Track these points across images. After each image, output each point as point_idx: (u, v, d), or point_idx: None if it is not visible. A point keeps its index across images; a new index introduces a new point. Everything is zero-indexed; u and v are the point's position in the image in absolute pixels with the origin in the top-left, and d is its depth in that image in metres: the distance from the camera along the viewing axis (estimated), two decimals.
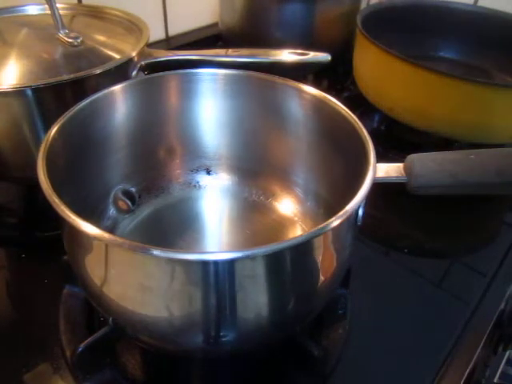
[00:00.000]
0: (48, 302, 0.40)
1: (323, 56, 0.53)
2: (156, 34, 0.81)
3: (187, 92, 0.45)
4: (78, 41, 0.47)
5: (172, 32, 0.84)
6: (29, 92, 0.40)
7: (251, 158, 0.47)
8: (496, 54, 0.72)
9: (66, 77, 0.41)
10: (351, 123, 0.37)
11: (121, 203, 0.44)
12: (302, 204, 0.45)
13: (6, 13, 0.53)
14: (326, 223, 0.27)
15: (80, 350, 0.33)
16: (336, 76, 0.78)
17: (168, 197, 0.47)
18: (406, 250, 0.49)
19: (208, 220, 0.46)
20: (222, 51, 0.52)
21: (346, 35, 0.75)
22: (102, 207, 0.43)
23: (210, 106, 0.46)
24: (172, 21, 0.83)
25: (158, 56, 0.51)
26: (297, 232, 0.44)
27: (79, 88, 0.42)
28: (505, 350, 0.49)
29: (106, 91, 0.40)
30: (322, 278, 0.32)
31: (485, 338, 0.40)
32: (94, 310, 0.38)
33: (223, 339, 0.30)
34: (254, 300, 0.29)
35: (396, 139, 0.66)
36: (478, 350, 0.39)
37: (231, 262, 0.26)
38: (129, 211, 0.45)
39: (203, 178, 0.48)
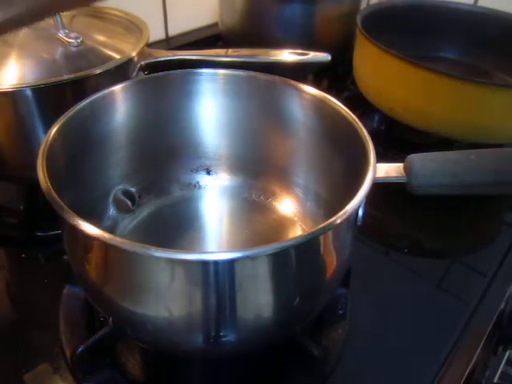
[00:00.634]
0: (48, 302, 0.40)
1: (323, 56, 0.53)
2: (156, 34, 0.81)
3: (187, 92, 0.45)
4: (78, 41, 0.47)
5: (172, 32, 0.84)
6: (29, 92, 0.40)
7: (251, 157, 0.47)
8: (496, 54, 0.72)
9: (66, 77, 0.41)
10: (351, 123, 0.37)
11: (121, 203, 0.44)
12: (302, 204, 0.45)
13: None
14: (326, 223, 0.27)
15: (80, 350, 0.33)
16: (336, 76, 0.78)
17: (168, 197, 0.47)
18: (406, 250, 0.49)
19: (208, 220, 0.46)
20: (222, 51, 0.52)
21: (346, 35, 0.75)
22: (102, 207, 0.43)
23: (210, 106, 0.46)
24: (172, 21, 0.83)
25: (158, 56, 0.51)
26: (297, 232, 0.44)
27: (79, 88, 0.42)
28: (505, 350, 0.49)
29: (105, 91, 0.40)
30: (322, 277, 0.32)
31: (485, 337, 0.40)
32: (94, 310, 0.38)
33: (223, 339, 0.30)
34: (254, 300, 0.29)
35: (396, 139, 0.66)
36: (478, 350, 0.39)
37: (231, 262, 0.26)
38: (129, 211, 0.45)
39: (203, 178, 0.48)
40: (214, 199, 0.48)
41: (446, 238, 0.52)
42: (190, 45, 0.81)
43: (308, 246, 0.29)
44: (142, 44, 0.48)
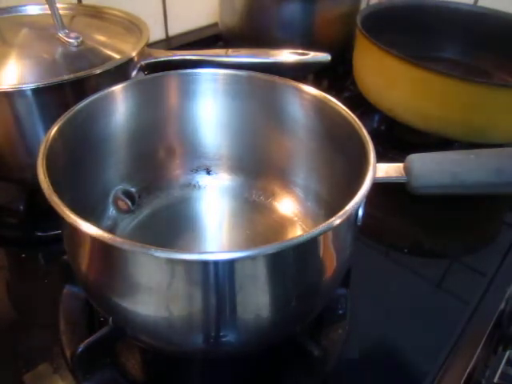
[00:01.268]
0: (48, 301, 0.40)
1: (323, 56, 0.53)
2: (156, 34, 0.81)
3: (187, 92, 0.45)
4: (78, 41, 0.47)
5: (172, 32, 0.84)
6: (29, 92, 0.40)
7: (251, 158, 0.47)
8: (496, 53, 0.72)
9: (66, 77, 0.41)
10: (351, 123, 0.37)
11: (121, 203, 0.44)
12: (302, 204, 0.45)
13: (6, 13, 0.53)
14: (326, 223, 0.27)
15: (80, 350, 0.33)
16: (336, 76, 0.78)
17: (168, 197, 0.47)
18: (405, 250, 0.49)
19: (208, 220, 0.46)
20: (221, 51, 0.52)
21: (346, 35, 0.75)
22: (102, 207, 0.43)
23: (210, 106, 0.46)
24: (172, 21, 0.83)
25: (158, 56, 0.51)
26: (297, 232, 0.44)
27: (79, 88, 0.42)
28: (505, 350, 0.49)
29: (105, 91, 0.40)
30: (322, 277, 0.32)
31: (485, 337, 0.40)
32: (94, 310, 0.38)
33: (223, 339, 0.30)
34: (254, 300, 0.29)
35: (396, 139, 0.66)
36: (478, 350, 0.39)
37: (231, 262, 0.26)
38: (129, 211, 0.45)
39: (203, 178, 0.48)
40: (214, 199, 0.48)
41: (445, 238, 0.52)
42: (190, 45, 0.81)
43: (308, 246, 0.29)
44: (142, 44, 0.48)
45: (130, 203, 0.45)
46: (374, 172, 0.32)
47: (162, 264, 0.27)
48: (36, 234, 0.48)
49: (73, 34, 0.47)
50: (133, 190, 0.45)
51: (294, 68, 0.52)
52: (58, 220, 0.29)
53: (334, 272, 0.33)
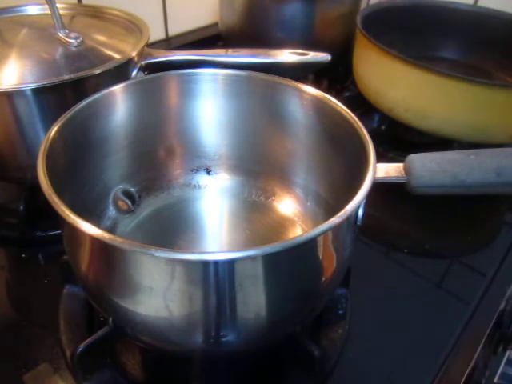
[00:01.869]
0: (48, 301, 0.40)
1: (323, 56, 0.53)
2: (156, 34, 0.81)
3: (187, 92, 0.45)
4: (78, 41, 0.47)
5: (172, 32, 0.84)
6: (29, 92, 0.40)
7: (251, 158, 0.47)
8: (496, 53, 0.72)
9: (66, 77, 0.41)
10: (351, 123, 0.37)
11: (121, 203, 0.44)
12: (302, 204, 0.45)
13: (6, 13, 0.53)
14: (326, 223, 0.27)
15: (80, 349, 0.33)
16: (336, 76, 0.78)
17: (168, 197, 0.47)
18: (405, 250, 0.49)
19: (208, 220, 0.46)
20: (221, 51, 0.52)
21: (346, 35, 0.75)
22: (102, 207, 0.43)
23: (210, 106, 0.46)
24: (172, 21, 0.83)
25: (158, 56, 0.51)
26: (297, 232, 0.44)
27: (79, 88, 0.42)
28: (505, 350, 0.49)
29: (105, 91, 0.40)
30: (322, 277, 0.32)
31: (485, 337, 0.40)
32: (94, 310, 0.38)
33: (223, 339, 0.30)
34: (254, 300, 0.29)
35: (396, 139, 0.66)
36: (478, 350, 0.39)
37: (231, 262, 0.26)
38: (129, 211, 0.45)
39: (203, 178, 0.48)
40: (214, 199, 0.48)
41: (445, 238, 0.52)
42: (190, 45, 0.81)
43: (308, 246, 0.29)
44: (142, 44, 0.48)
45: (130, 203, 0.45)
46: (374, 172, 0.32)
47: (162, 264, 0.27)
48: (36, 234, 0.48)
49: (73, 34, 0.47)
50: (133, 190, 0.45)
51: (293, 68, 0.52)
52: (58, 220, 0.29)
53: (333, 272, 0.33)
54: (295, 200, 0.46)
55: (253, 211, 0.47)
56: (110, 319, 0.33)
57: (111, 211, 0.44)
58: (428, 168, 0.35)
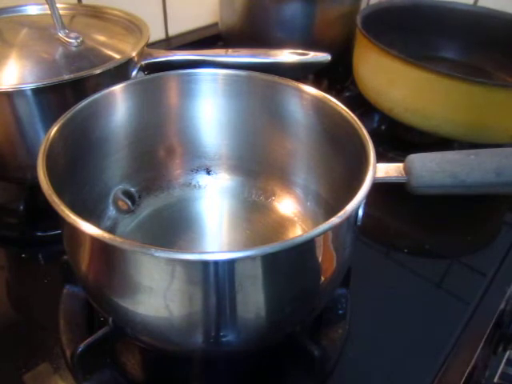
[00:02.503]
0: (48, 301, 0.40)
1: (323, 56, 0.53)
2: (156, 34, 0.81)
3: (187, 92, 0.45)
4: (78, 41, 0.47)
5: (172, 32, 0.84)
6: (29, 92, 0.40)
7: (251, 158, 0.47)
8: (496, 54, 0.72)
9: (66, 77, 0.41)
10: (351, 123, 0.37)
11: (121, 203, 0.44)
12: (302, 204, 0.45)
13: (6, 13, 0.53)
14: (326, 223, 0.27)
15: (80, 349, 0.33)
16: (336, 76, 0.78)
17: (168, 197, 0.47)
18: (405, 250, 0.49)
19: (208, 220, 0.46)
20: (222, 51, 0.52)
21: (346, 35, 0.75)
22: (102, 207, 0.43)
23: (210, 106, 0.46)
24: (172, 21, 0.83)
25: (158, 56, 0.51)
26: (297, 232, 0.44)
27: (79, 88, 0.42)
28: (505, 350, 0.49)
29: (105, 91, 0.40)
30: (322, 277, 0.32)
31: (485, 337, 0.40)
32: (94, 310, 0.38)
33: (223, 339, 0.30)
34: (254, 300, 0.29)
35: (396, 139, 0.66)
36: (478, 350, 0.39)
37: (231, 262, 0.26)
38: (129, 211, 0.45)
39: (203, 178, 0.48)
40: (214, 199, 0.48)
41: (445, 238, 0.52)
42: (190, 45, 0.81)
43: (308, 246, 0.29)
44: (142, 44, 0.48)
45: (129, 203, 0.45)
46: (374, 172, 0.32)
47: (162, 264, 0.27)
48: (36, 234, 0.48)
49: (73, 34, 0.47)
50: (133, 190, 0.45)
51: (293, 68, 0.52)
52: (58, 220, 0.29)
53: (333, 272, 0.33)
54: (295, 200, 0.46)
55: (253, 211, 0.47)
56: (110, 319, 0.33)
57: (111, 211, 0.44)
58: (428, 168, 0.35)
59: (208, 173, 0.48)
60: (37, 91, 0.40)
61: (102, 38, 0.50)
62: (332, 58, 0.53)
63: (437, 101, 0.56)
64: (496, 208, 0.57)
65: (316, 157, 0.43)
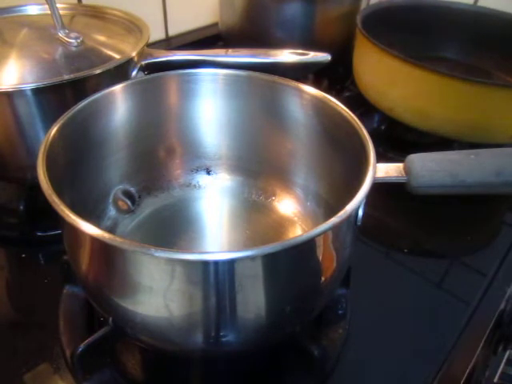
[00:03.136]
0: (48, 301, 0.40)
1: (323, 56, 0.53)
2: (156, 34, 0.81)
3: (187, 92, 0.45)
4: (78, 41, 0.47)
5: (172, 32, 0.84)
6: (29, 92, 0.40)
7: (251, 158, 0.47)
8: (496, 53, 0.72)
9: (66, 77, 0.41)
10: (351, 123, 0.37)
11: (121, 203, 0.44)
12: (302, 204, 0.45)
13: (6, 13, 0.53)
14: (326, 223, 0.27)
15: (80, 349, 0.33)
16: (336, 76, 0.78)
17: (168, 197, 0.47)
18: (405, 250, 0.49)
19: (208, 220, 0.46)
20: (222, 51, 0.52)
21: (346, 35, 0.75)
22: (102, 207, 0.43)
23: (210, 106, 0.46)
24: (172, 21, 0.83)
25: (158, 56, 0.51)
26: (297, 232, 0.44)
27: (79, 88, 0.42)
28: (505, 350, 0.49)
29: (105, 91, 0.40)
30: (322, 277, 0.32)
31: (485, 337, 0.40)
32: (94, 310, 0.38)
33: (223, 339, 0.30)
34: (254, 300, 0.29)
35: (396, 139, 0.66)
36: (478, 350, 0.39)
37: (231, 262, 0.26)
38: (129, 211, 0.45)
39: (203, 178, 0.48)
40: (214, 199, 0.48)
41: (446, 238, 0.52)
42: (190, 45, 0.81)
43: (308, 246, 0.29)
44: (141, 44, 0.48)
45: (129, 203, 0.45)
46: (374, 172, 0.32)
47: (162, 264, 0.27)
48: (36, 234, 0.48)
49: (73, 34, 0.47)
50: (133, 189, 0.45)
51: (293, 68, 0.52)
52: (57, 220, 0.29)
53: (333, 272, 0.33)
54: (295, 200, 0.46)
55: (253, 211, 0.47)
56: (110, 319, 0.33)
57: (111, 211, 0.44)
58: (428, 168, 0.35)
59: (208, 173, 0.48)
60: (37, 91, 0.40)
61: (102, 37, 0.50)
62: (332, 58, 0.53)
63: (437, 101, 0.56)
64: (496, 208, 0.57)
65: (316, 157, 0.43)
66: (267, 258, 0.27)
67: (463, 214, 0.54)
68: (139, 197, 0.46)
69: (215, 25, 0.85)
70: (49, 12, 0.47)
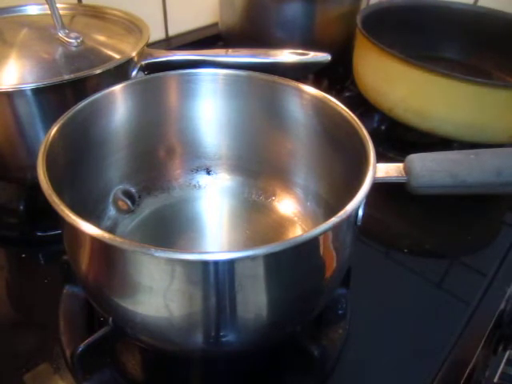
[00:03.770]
0: (48, 301, 0.40)
1: (323, 56, 0.53)
2: (156, 34, 0.81)
3: (187, 92, 0.45)
4: (78, 41, 0.47)
5: (172, 32, 0.84)
6: (29, 92, 0.40)
7: (251, 158, 0.47)
8: (496, 54, 0.72)
9: (66, 77, 0.41)
10: (351, 123, 0.37)
11: (121, 203, 0.44)
12: (302, 204, 0.45)
13: (6, 13, 0.53)
14: (326, 223, 0.27)
15: (80, 349, 0.33)
16: (336, 76, 0.78)
17: (168, 197, 0.47)
18: (405, 250, 0.49)
19: (208, 220, 0.46)
20: (222, 51, 0.52)
21: (346, 35, 0.75)
22: (102, 207, 0.43)
23: (210, 106, 0.46)
24: (172, 21, 0.83)
25: (158, 56, 0.51)
26: (297, 232, 0.44)
27: (79, 88, 0.42)
28: (505, 350, 0.49)
29: (105, 91, 0.40)
30: (322, 277, 0.32)
31: (485, 337, 0.40)
32: (94, 310, 0.38)
33: (223, 339, 0.30)
34: (254, 300, 0.29)
35: (396, 139, 0.66)
36: (478, 350, 0.39)
37: (231, 262, 0.26)
38: (129, 211, 0.45)
39: (203, 178, 0.48)
40: (214, 199, 0.48)
41: (445, 238, 0.52)
42: (190, 45, 0.81)
43: (308, 246, 0.29)
44: (141, 44, 0.48)
45: (129, 203, 0.45)
46: (374, 172, 0.32)
47: (162, 264, 0.27)
48: (36, 234, 0.48)
49: (73, 34, 0.47)
50: (133, 189, 0.45)
51: (293, 68, 0.52)
52: (58, 220, 0.29)
53: (333, 272, 0.33)
54: (295, 200, 0.46)
55: (253, 211, 0.47)
56: (110, 319, 0.33)
57: (111, 211, 0.44)
58: (428, 168, 0.35)
59: (208, 173, 0.48)
60: (37, 91, 0.40)
61: (102, 37, 0.50)
62: (332, 58, 0.53)
63: (437, 101, 0.56)
64: (496, 208, 0.57)
65: (316, 157, 0.43)
66: (267, 258, 0.27)
67: (463, 214, 0.54)
68: (139, 197, 0.46)
69: (215, 25, 0.85)
70: (49, 12, 0.47)
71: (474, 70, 0.73)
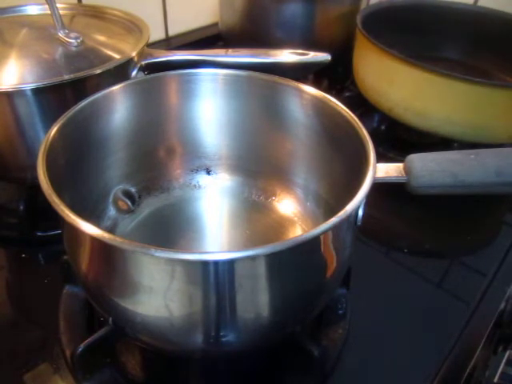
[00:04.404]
0: (48, 301, 0.40)
1: (323, 56, 0.53)
2: (156, 34, 0.81)
3: (187, 92, 0.45)
4: (78, 41, 0.47)
5: (172, 32, 0.84)
6: (29, 92, 0.40)
7: (251, 158, 0.47)
8: (496, 54, 0.72)
9: (66, 77, 0.41)
10: (351, 123, 0.37)
11: (121, 203, 0.44)
12: (302, 204, 0.45)
13: (6, 13, 0.53)
14: (326, 223, 0.27)
15: (80, 349, 0.33)
16: (336, 76, 0.78)
17: (168, 197, 0.47)
18: (405, 250, 0.49)
19: (208, 220, 0.46)
20: (222, 51, 0.52)
21: (346, 35, 0.75)
22: (102, 207, 0.43)
23: (210, 106, 0.46)
24: (172, 21, 0.83)
25: (158, 56, 0.51)
26: (297, 232, 0.44)
27: (79, 88, 0.42)
28: (505, 350, 0.49)
29: (105, 91, 0.40)
30: (322, 277, 0.32)
31: (485, 337, 0.40)
32: (94, 310, 0.38)
33: (223, 339, 0.30)
34: (254, 300, 0.29)
35: (396, 139, 0.66)
36: (478, 350, 0.39)
37: (231, 262, 0.26)
38: (129, 211, 0.45)
39: (203, 178, 0.48)
40: (214, 199, 0.48)
41: (445, 238, 0.52)
42: (190, 45, 0.81)
43: (308, 246, 0.29)
44: (141, 44, 0.48)
45: (129, 203, 0.45)
46: (374, 172, 0.32)
47: (162, 264, 0.27)
48: (36, 234, 0.48)
49: (73, 34, 0.47)
50: (133, 189, 0.45)
51: (293, 68, 0.52)
52: (58, 220, 0.29)
53: (333, 272, 0.33)
54: (295, 200, 0.46)
55: (253, 211, 0.47)
56: (110, 319, 0.33)
57: (111, 211, 0.44)
58: (428, 168, 0.35)
59: (208, 173, 0.48)
60: (37, 91, 0.40)
61: (102, 37, 0.50)
62: (332, 58, 0.53)
63: (437, 101, 0.56)
64: (496, 208, 0.57)
65: (316, 157, 0.43)
66: (267, 258, 0.27)
67: (463, 214, 0.54)
68: (139, 197, 0.46)
69: (215, 25, 0.85)
70: (49, 12, 0.47)
71: (474, 70, 0.73)
